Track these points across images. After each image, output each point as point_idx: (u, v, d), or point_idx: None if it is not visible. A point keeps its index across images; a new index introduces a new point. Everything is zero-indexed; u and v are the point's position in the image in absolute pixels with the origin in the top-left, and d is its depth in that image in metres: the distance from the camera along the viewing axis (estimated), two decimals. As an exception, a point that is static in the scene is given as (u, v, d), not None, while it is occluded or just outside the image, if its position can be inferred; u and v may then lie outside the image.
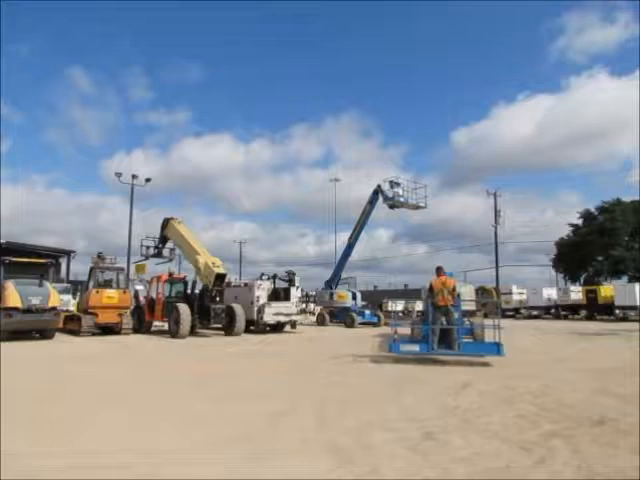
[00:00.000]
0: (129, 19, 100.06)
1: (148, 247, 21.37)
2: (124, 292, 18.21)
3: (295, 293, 21.63)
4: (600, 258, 42.87)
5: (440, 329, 10.00)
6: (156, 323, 19.66)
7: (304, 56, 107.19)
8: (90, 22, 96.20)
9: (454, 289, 10.33)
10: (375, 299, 27.35)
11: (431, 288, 10.47)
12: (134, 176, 33.32)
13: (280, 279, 22.29)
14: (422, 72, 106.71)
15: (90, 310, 17.18)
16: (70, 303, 23.16)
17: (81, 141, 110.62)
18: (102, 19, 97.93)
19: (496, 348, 9.65)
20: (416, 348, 10.06)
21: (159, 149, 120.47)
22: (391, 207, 24.92)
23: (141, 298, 20.86)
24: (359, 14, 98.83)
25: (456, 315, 10.50)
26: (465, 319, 13.84)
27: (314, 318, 27.65)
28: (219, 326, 18.37)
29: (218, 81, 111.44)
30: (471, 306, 15.16)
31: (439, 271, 10.57)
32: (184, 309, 17.00)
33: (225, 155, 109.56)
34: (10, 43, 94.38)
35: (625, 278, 40.96)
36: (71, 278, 35.20)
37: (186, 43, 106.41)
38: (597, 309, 32.61)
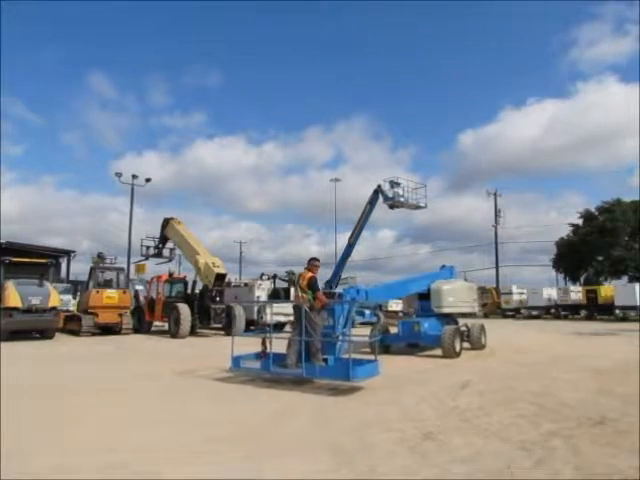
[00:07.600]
0: (154, 25, 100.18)
1: (148, 247, 21.42)
2: (124, 292, 18.26)
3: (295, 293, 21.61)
4: (600, 258, 42.77)
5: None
6: (156, 323, 19.66)
7: (317, 62, 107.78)
8: (112, 28, 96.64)
9: (310, 285, 7.77)
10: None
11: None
12: (134, 176, 33.89)
13: (280, 279, 22.33)
14: (428, 76, 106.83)
15: (90, 310, 17.21)
16: (70, 303, 23.22)
17: (96, 143, 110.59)
18: (125, 25, 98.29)
19: (345, 372, 6.83)
20: (257, 365, 7.93)
21: (172, 151, 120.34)
22: (391, 207, 24.93)
23: (141, 298, 20.89)
24: (369, 19, 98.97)
25: (326, 321, 7.90)
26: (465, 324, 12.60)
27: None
28: (219, 326, 18.39)
29: (235, 86, 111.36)
30: (465, 308, 12.85)
31: (309, 263, 8.21)
32: (184, 309, 17.02)
33: (237, 157, 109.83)
34: (33, 50, 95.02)
35: (625, 278, 40.93)
36: (73, 278, 35.37)
37: (206, 48, 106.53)
38: (597, 309, 32.60)
